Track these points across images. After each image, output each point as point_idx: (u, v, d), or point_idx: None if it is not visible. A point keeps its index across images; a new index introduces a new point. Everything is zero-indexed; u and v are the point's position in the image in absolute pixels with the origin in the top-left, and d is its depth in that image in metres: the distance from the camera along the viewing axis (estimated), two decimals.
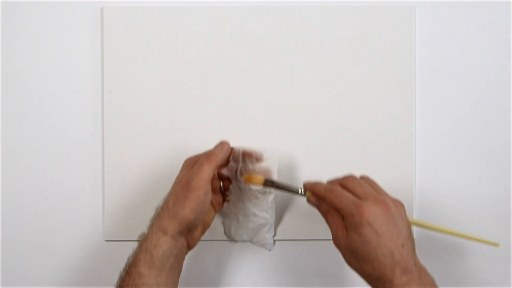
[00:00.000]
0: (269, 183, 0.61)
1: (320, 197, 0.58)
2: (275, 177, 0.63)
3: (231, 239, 0.68)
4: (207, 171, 0.57)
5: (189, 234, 0.58)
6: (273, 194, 0.64)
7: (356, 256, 0.53)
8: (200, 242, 0.69)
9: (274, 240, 0.68)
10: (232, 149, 0.62)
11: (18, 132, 0.69)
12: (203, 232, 0.62)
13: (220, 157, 0.59)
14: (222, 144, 0.61)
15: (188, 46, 0.69)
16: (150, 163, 0.68)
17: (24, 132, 0.69)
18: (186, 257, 0.68)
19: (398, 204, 0.55)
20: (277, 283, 0.70)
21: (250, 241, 0.67)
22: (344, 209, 0.54)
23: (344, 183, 0.57)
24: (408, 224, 0.55)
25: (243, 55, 0.69)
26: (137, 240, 0.58)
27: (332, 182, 0.58)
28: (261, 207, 0.64)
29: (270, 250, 0.67)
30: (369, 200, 0.53)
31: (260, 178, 0.61)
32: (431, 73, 0.69)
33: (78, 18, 0.69)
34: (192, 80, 0.69)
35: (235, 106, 0.68)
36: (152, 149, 0.68)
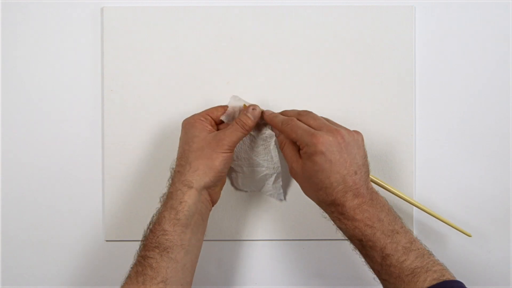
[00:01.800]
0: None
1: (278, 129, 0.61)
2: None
3: (240, 190, 0.68)
4: (238, 137, 0.59)
5: (212, 188, 0.60)
6: (273, 139, 0.63)
7: (311, 184, 0.56)
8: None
9: (285, 191, 0.68)
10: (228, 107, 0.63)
11: (18, 132, 0.69)
12: (221, 188, 0.64)
13: (250, 126, 0.61)
14: (252, 115, 0.61)
15: (188, 46, 0.69)
16: (150, 163, 0.68)
17: (24, 132, 0.69)
18: None
19: (354, 133, 0.58)
20: (277, 283, 0.70)
21: (260, 191, 0.67)
22: (299, 139, 0.57)
23: (300, 116, 0.60)
24: (364, 152, 0.58)
25: (243, 55, 0.69)
26: (159, 201, 0.59)
27: (289, 113, 0.61)
28: (264, 156, 0.64)
29: (281, 200, 0.68)
30: (323, 130, 0.56)
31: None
32: (431, 73, 0.69)
33: (78, 18, 0.69)
34: (192, 80, 0.69)
35: None
36: (152, 149, 0.68)
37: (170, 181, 0.60)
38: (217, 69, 0.69)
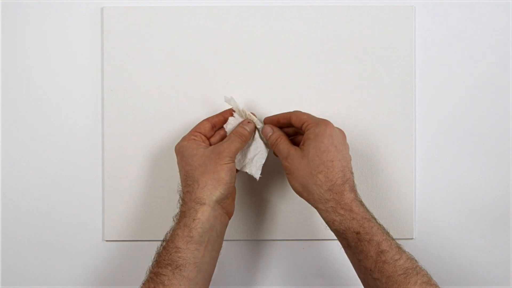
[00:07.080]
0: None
1: (284, 121, 0.61)
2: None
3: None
4: (237, 147, 0.60)
5: (225, 201, 0.60)
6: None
7: (312, 167, 0.56)
8: None
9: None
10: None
11: (18, 132, 0.69)
12: (233, 199, 0.63)
13: (247, 137, 0.61)
14: (248, 127, 0.62)
15: (188, 46, 0.69)
16: (150, 163, 0.68)
17: (24, 132, 0.69)
18: None
19: None
20: (277, 283, 0.70)
21: (241, 166, 0.63)
22: (310, 120, 0.58)
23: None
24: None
25: (243, 55, 0.69)
26: (173, 220, 0.59)
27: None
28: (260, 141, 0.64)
29: (256, 178, 0.62)
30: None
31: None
32: (431, 73, 0.69)
33: (78, 18, 0.69)
34: (192, 80, 0.69)
35: None
36: (152, 149, 0.68)
37: (181, 202, 0.59)
38: (217, 69, 0.69)
